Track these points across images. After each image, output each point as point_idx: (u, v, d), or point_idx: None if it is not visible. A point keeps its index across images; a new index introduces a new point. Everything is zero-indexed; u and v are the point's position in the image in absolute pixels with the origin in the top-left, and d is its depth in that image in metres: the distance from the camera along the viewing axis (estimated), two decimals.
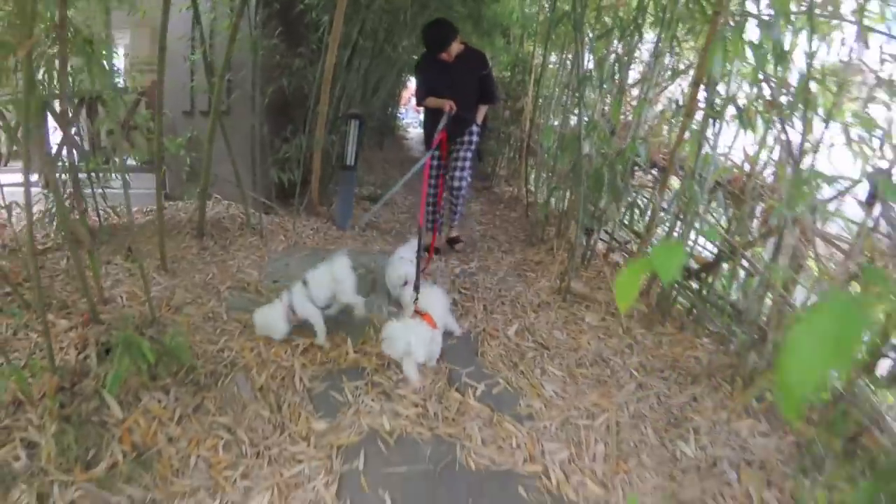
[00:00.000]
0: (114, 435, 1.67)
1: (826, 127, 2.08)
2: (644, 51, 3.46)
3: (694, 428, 1.92)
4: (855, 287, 1.92)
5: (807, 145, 2.05)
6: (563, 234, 3.67)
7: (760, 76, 2.20)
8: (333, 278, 2.37)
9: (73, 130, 3.15)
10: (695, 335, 2.55)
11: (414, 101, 4.21)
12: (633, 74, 3.61)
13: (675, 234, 2.69)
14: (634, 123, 2.98)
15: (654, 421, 1.97)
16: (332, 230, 3.92)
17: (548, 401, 2.06)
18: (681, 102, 2.90)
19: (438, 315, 2.21)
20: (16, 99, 2.55)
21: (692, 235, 2.66)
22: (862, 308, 0.43)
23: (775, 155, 2.43)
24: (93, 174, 3.09)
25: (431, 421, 1.91)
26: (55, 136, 2.97)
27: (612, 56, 3.37)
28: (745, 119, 2.26)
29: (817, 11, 1.98)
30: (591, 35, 3.40)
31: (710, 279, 2.69)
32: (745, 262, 2.46)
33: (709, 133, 2.44)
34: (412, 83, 6.48)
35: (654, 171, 3.52)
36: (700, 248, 2.87)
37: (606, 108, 3.37)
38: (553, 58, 4.89)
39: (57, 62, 2.08)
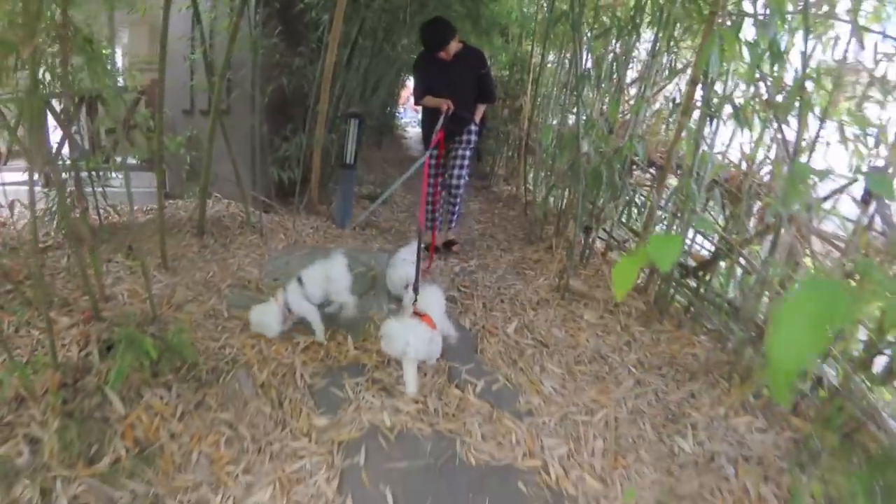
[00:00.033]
0: (116, 431, 1.68)
1: (822, 126, 2.10)
2: (642, 50, 3.48)
3: (692, 424, 1.94)
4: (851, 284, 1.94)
5: (802, 144, 2.07)
6: (562, 233, 3.69)
7: (757, 75, 2.22)
8: (327, 277, 2.38)
9: (73, 129, 3.16)
10: (692, 332, 2.57)
11: (412, 100, 4.21)
12: (631, 73, 3.64)
13: (673, 232, 2.71)
14: (632, 122, 3.00)
15: (653, 417, 1.99)
16: (332, 229, 3.94)
17: (547, 397, 2.08)
18: (678, 101, 2.92)
19: (437, 316, 2.19)
20: (17, 97, 2.55)
21: (689, 233, 2.69)
22: (841, 291, 0.45)
23: (772, 154, 2.45)
24: (93, 173, 3.09)
25: (432, 417, 1.92)
26: (55, 134, 2.99)
27: (610, 55, 3.40)
28: (741, 118, 2.28)
29: (812, 11, 2.00)
30: (589, 34, 3.41)
31: (707, 277, 2.71)
32: (742, 260, 2.48)
33: (706, 132, 2.46)
34: (411, 82, 6.50)
35: (652, 170, 3.53)
36: (698, 247, 2.90)
37: (604, 106, 3.39)
38: (551, 57, 4.91)
39: (58, 61, 2.10)
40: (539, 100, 5.09)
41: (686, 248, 2.77)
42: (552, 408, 2.01)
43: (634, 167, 3.49)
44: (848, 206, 2.07)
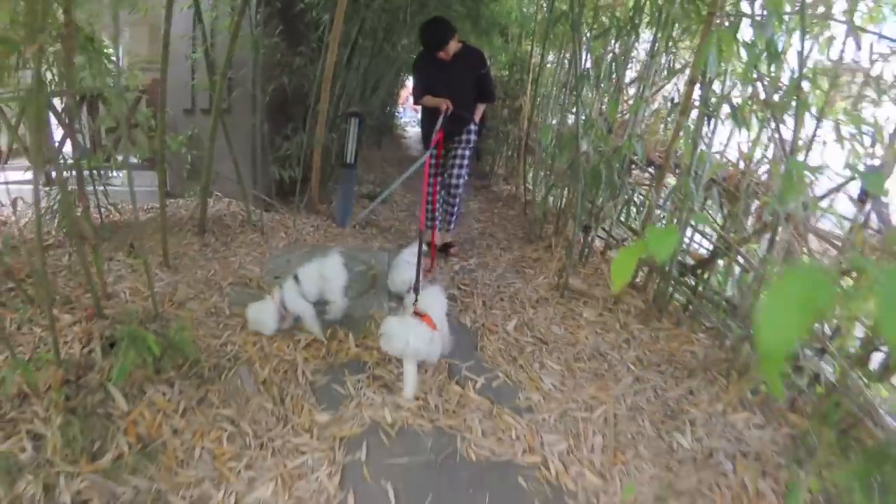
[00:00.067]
0: (119, 427, 1.69)
1: (818, 125, 2.12)
2: (641, 50, 3.50)
3: (690, 420, 1.96)
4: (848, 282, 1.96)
5: (799, 143, 2.09)
6: (561, 232, 3.71)
7: (755, 75, 2.24)
8: (322, 275, 2.39)
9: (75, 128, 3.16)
10: (691, 330, 2.58)
11: (412, 99, 4.22)
12: (630, 73, 3.66)
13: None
14: (631, 122, 3.02)
15: (651, 413, 2.00)
16: (333, 227, 3.95)
17: (546, 394, 2.10)
18: (676, 101, 2.94)
19: (438, 317, 2.18)
20: (18, 96, 2.56)
21: (688, 232, 2.70)
22: (823, 277, 0.47)
23: (769, 153, 2.47)
24: (94, 172, 3.10)
25: (432, 413, 1.94)
26: (56, 133, 3.00)
27: (610, 55, 3.42)
28: (739, 117, 2.30)
29: (809, 12, 2.02)
30: (588, 35, 3.43)
31: (705, 275, 2.73)
32: (740, 259, 2.50)
33: (704, 131, 2.48)
34: (410, 82, 6.50)
35: (651, 169, 3.55)
36: (696, 245, 2.92)
37: (604, 106, 3.41)
38: (551, 57, 4.93)
39: (59, 60, 2.11)
40: (538, 99, 5.10)
41: (685, 246, 2.79)
42: (552, 404, 2.03)
43: (633, 166, 3.51)
44: (845, 205, 2.09)
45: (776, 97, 2.19)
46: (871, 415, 1.86)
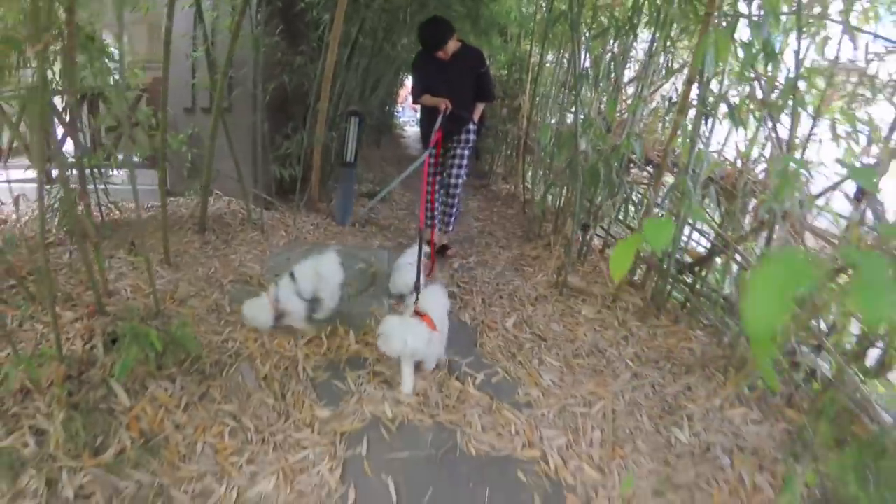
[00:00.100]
0: (121, 422, 1.71)
1: (815, 124, 2.14)
2: (639, 50, 3.52)
3: (688, 415, 1.98)
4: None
5: (796, 141, 2.11)
6: (560, 230, 3.73)
7: (752, 75, 2.26)
8: (318, 273, 2.41)
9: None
10: (689, 327, 2.60)
11: (410, 99, 4.22)
12: (629, 73, 3.67)
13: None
14: (630, 121, 3.04)
15: (649, 409, 2.02)
16: (333, 226, 3.96)
17: (545, 389, 2.12)
18: (674, 100, 2.96)
19: (438, 317, 2.16)
20: (20, 95, 2.57)
21: (686, 230, 2.72)
22: (805, 260, 0.49)
23: (767, 152, 2.49)
24: (94, 170, 3.11)
25: (432, 408, 1.95)
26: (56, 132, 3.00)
27: (608, 55, 3.44)
28: (736, 116, 2.32)
29: (805, 12, 2.04)
30: (587, 34, 3.45)
31: (703, 273, 2.75)
32: (737, 256, 2.51)
33: (702, 130, 2.50)
34: (409, 81, 6.51)
35: (649, 168, 3.57)
36: (694, 243, 2.94)
37: (602, 105, 3.43)
38: (550, 57, 4.95)
39: (61, 59, 2.12)
40: (538, 99, 5.12)
41: (682, 244, 2.81)
42: (551, 400, 2.05)
43: (632, 165, 3.53)
44: (841, 203, 2.11)
45: (773, 96, 2.21)
46: (867, 410, 1.88)
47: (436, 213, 3.62)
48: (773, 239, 2.18)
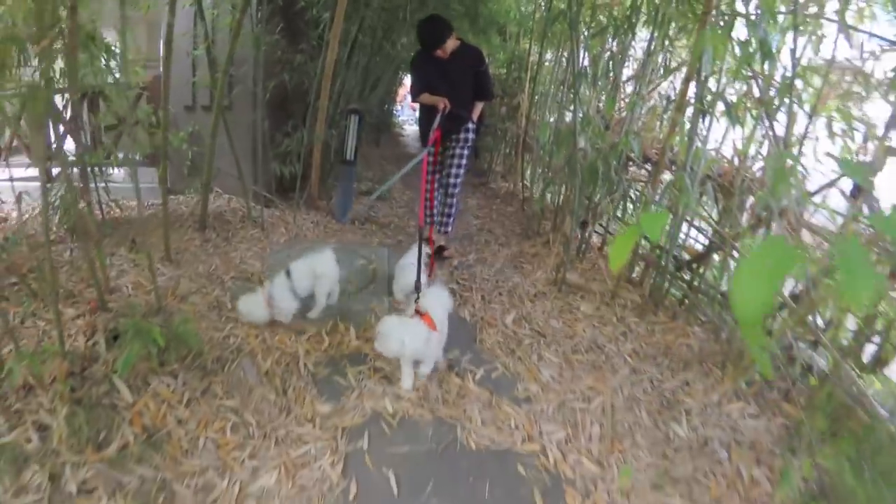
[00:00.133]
0: (124, 417, 1.72)
1: (810, 122, 2.16)
2: (638, 48, 3.53)
3: (686, 410, 2.00)
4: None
5: (792, 139, 2.13)
6: (559, 228, 3.74)
7: (749, 73, 2.28)
8: (314, 271, 2.42)
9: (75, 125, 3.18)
10: (687, 323, 2.62)
11: (409, 97, 4.23)
12: (627, 71, 3.69)
13: (667, 226, 2.76)
14: (628, 119, 3.05)
15: (648, 403, 2.04)
16: (332, 223, 3.98)
17: (545, 385, 2.13)
18: (672, 98, 2.98)
19: (439, 317, 2.14)
20: (21, 93, 2.57)
21: (684, 227, 2.74)
22: (790, 248, 0.52)
23: (764, 149, 2.51)
24: (95, 168, 3.12)
25: (432, 403, 1.97)
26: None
27: (607, 54, 3.45)
28: (733, 114, 2.33)
29: (802, 11, 2.06)
30: (586, 33, 3.46)
31: (701, 270, 2.77)
32: (735, 253, 2.53)
33: (699, 128, 2.52)
34: (408, 80, 6.52)
35: (648, 166, 3.59)
36: (692, 240, 2.96)
37: (601, 104, 3.44)
38: (549, 55, 4.96)
39: (63, 58, 2.13)
40: (536, 97, 5.13)
41: (680, 241, 2.83)
42: (550, 395, 2.07)
43: (630, 163, 3.55)
44: (837, 201, 2.13)
45: (770, 94, 2.23)
46: (864, 405, 1.90)
47: (434, 211, 3.62)
48: (770, 236, 2.19)
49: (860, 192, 1.98)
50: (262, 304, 2.29)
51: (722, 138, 2.73)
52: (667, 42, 3.16)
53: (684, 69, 2.85)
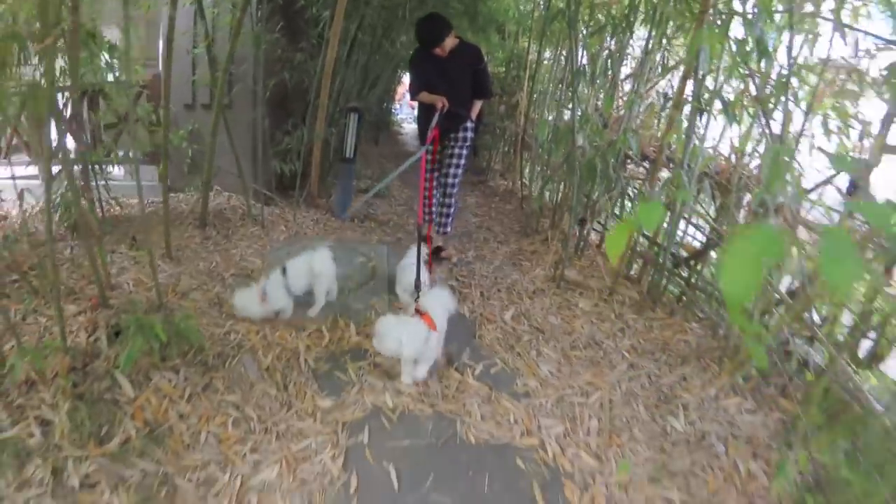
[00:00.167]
0: (126, 412, 1.73)
1: (806, 119, 2.18)
2: (636, 47, 3.55)
3: (683, 404, 2.02)
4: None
5: (789, 136, 2.14)
6: (557, 225, 3.76)
7: (746, 71, 2.30)
8: (311, 269, 2.43)
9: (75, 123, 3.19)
10: (684, 320, 2.64)
11: (408, 96, 4.23)
12: (625, 70, 3.71)
13: (665, 223, 2.78)
14: (626, 117, 3.07)
15: (646, 398, 2.06)
16: (332, 221, 3.99)
17: (543, 380, 2.15)
18: (670, 96, 3.00)
19: (440, 317, 2.13)
20: (23, 91, 2.58)
21: (682, 224, 2.76)
22: (774, 233, 0.54)
23: (761, 147, 2.52)
24: (95, 166, 3.13)
25: (432, 398, 1.99)
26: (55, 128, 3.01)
27: (605, 52, 3.47)
28: (730, 112, 2.35)
29: (798, 9, 2.07)
30: (584, 32, 3.48)
31: (699, 267, 2.79)
32: None
33: (697, 126, 2.54)
34: (407, 78, 6.51)
35: (646, 164, 3.61)
36: (690, 238, 2.98)
37: (599, 102, 3.46)
38: (547, 54, 4.98)
39: (64, 56, 2.14)
40: (535, 96, 5.15)
41: (678, 239, 2.84)
42: (549, 390, 2.08)
43: (628, 161, 3.56)
44: (834, 198, 2.15)
45: (767, 92, 2.24)
46: (860, 400, 1.92)
47: (433, 210, 3.61)
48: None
49: (856, 189, 2.01)
50: (257, 299, 2.30)
51: (719, 136, 2.74)
52: (665, 41, 3.18)
53: (682, 67, 2.86)
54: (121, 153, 3.57)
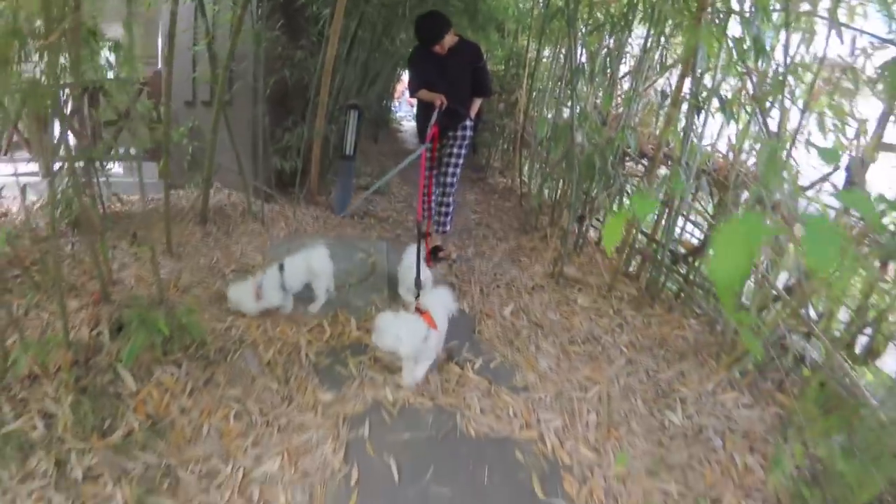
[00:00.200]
0: (128, 406, 1.74)
1: (803, 117, 2.20)
2: (634, 45, 3.57)
3: (681, 399, 2.04)
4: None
5: (785, 133, 2.16)
6: (556, 222, 3.78)
7: (743, 69, 2.32)
8: (309, 267, 2.44)
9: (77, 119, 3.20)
10: (682, 316, 2.66)
11: (407, 93, 4.23)
12: (624, 68, 3.73)
13: (664, 220, 2.80)
14: (625, 114, 3.08)
15: (644, 393, 2.08)
16: (332, 218, 4.01)
17: (542, 374, 2.17)
18: (668, 94, 3.02)
19: (440, 317, 2.13)
20: (24, 89, 2.59)
21: (679, 221, 2.78)
22: (760, 221, 0.56)
23: (758, 145, 2.54)
24: (95, 163, 3.14)
25: (432, 392, 2.01)
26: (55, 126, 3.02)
27: (604, 50, 3.49)
28: (727, 110, 2.37)
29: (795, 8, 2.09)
30: (583, 30, 3.50)
31: (697, 263, 2.81)
32: None
33: (694, 123, 2.56)
34: (406, 76, 6.52)
35: (644, 161, 3.63)
36: (688, 234, 3.00)
37: (598, 100, 3.47)
38: (547, 52, 4.99)
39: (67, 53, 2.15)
40: (534, 94, 5.17)
41: (676, 236, 2.87)
42: (548, 384, 2.10)
43: (627, 158, 3.58)
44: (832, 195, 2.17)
45: (764, 90, 2.26)
46: (856, 395, 1.94)
47: (432, 206, 3.60)
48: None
49: (852, 186, 2.02)
50: (252, 293, 2.32)
51: (717, 134, 2.76)
52: (663, 39, 3.20)
53: (680, 66, 2.88)
54: (120, 150, 3.58)
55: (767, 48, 2.23)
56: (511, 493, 1.63)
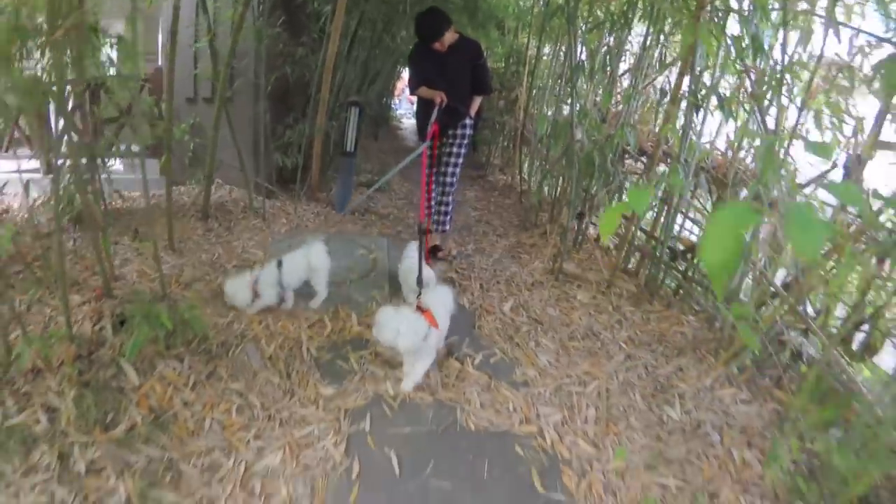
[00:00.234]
0: (131, 399, 1.75)
1: (800, 115, 2.21)
2: (634, 43, 3.58)
3: (679, 394, 2.05)
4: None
5: (783, 131, 2.18)
6: (556, 219, 3.79)
7: (741, 68, 2.33)
8: (308, 265, 2.45)
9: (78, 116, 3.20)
10: (681, 312, 2.68)
11: (408, 91, 4.24)
12: (624, 65, 3.74)
13: (663, 217, 2.81)
14: (624, 112, 3.10)
15: (642, 388, 2.10)
16: (333, 214, 4.02)
17: (542, 370, 2.19)
18: (667, 91, 3.03)
19: (442, 316, 2.11)
20: (22, 86, 2.59)
21: (678, 218, 2.79)
22: (749, 209, 0.58)
23: (757, 142, 2.55)
24: (98, 159, 3.14)
25: (433, 387, 2.02)
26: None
27: (604, 48, 3.50)
28: (726, 108, 2.38)
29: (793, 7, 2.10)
30: (583, 28, 3.50)
31: (695, 260, 2.82)
32: None
33: (693, 121, 2.57)
34: (406, 74, 6.51)
35: (643, 158, 3.64)
36: (687, 231, 3.01)
37: (598, 97, 3.49)
38: (547, 49, 5.00)
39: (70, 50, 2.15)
40: (534, 91, 5.18)
41: (675, 232, 2.88)
42: (547, 379, 2.12)
43: (626, 155, 3.59)
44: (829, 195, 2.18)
45: (762, 88, 2.27)
46: (852, 390, 1.95)
47: (431, 207, 3.59)
48: (761, 226, 2.24)
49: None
50: (247, 287, 2.33)
51: (716, 131, 2.78)
52: (662, 37, 3.21)
53: (679, 63, 2.89)
54: (122, 147, 3.58)
55: (766, 46, 2.25)
56: (511, 486, 1.64)
